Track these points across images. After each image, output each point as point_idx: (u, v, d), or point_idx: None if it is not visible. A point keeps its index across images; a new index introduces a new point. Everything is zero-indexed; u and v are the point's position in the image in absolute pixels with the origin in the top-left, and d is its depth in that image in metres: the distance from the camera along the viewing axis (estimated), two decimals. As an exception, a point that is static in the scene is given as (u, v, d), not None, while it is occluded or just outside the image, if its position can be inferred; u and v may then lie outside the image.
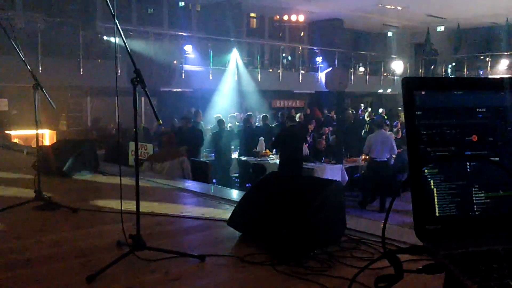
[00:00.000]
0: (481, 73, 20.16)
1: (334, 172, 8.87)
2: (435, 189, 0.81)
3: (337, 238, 2.39)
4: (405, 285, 0.90)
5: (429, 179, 0.81)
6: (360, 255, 2.20)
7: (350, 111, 13.07)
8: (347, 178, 9.03)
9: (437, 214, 0.81)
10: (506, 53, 19.03)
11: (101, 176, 4.42)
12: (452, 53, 20.83)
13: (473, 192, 0.83)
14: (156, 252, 2.09)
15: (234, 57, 15.43)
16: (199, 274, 1.98)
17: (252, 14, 18.70)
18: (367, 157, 9.42)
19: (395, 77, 20.56)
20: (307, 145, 9.85)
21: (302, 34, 20.15)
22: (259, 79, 15.66)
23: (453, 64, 20.97)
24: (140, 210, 2.11)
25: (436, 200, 0.80)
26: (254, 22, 19.25)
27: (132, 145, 6.94)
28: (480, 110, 0.85)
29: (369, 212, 8.73)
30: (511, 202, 0.84)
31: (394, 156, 9.51)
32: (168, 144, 6.31)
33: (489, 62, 19.81)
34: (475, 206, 0.83)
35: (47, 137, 9.03)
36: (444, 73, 20.61)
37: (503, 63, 19.38)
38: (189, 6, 17.15)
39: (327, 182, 2.55)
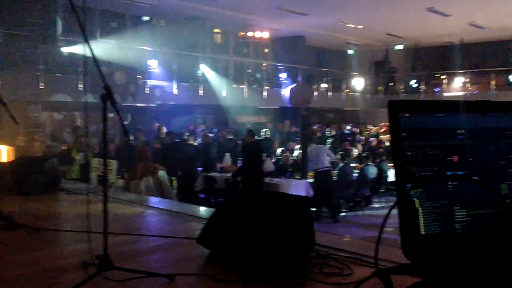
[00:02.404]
0: (437, 90, 20.93)
1: (299, 187, 8.95)
2: (420, 208, 0.83)
3: (306, 254, 2.39)
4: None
5: (414, 198, 0.83)
6: (330, 270, 2.21)
7: (315, 127, 13.28)
8: (311, 192, 9.13)
9: (423, 233, 0.83)
10: (460, 71, 19.83)
11: (63, 194, 4.29)
12: (410, 71, 21.52)
13: (455, 211, 0.86)
14: (124, 272, 2.04)
15: (202, 72, 15.47)
16: (169, 294, 1.94)
17: (216, 30, 18.78)
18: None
19: (356, 94, 21.05)
20: (272, 160, 9.92)
21: (266, 51, 20.39)
22: (224, 95, 15.71)
23: (411, 81, 21.66)
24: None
25: (421, 219, 0.83)
26: (219, 38, 19.33)
27: (95, 161, 6.79)
28: (460, 131, 0.88)
29: (324, 224, 8.87)
30: (490, 219, 0.87)
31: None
32: (143, 158, 6.10)
33: (445, 80, 20.59)
34: (456, 224, 0.85)
35: (4, 153, 8.70)
36: (402, 90, 21.25)
37: (458, 81, 20.17)
38: (153, 20, 17.08)
39: (296, 199, 2.56)
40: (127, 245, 2.66)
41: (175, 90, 14.33)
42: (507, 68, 18.73)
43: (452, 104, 0.92)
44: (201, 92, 15.15)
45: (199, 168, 10.32)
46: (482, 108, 0.92)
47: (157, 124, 12.47)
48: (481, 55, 20.45)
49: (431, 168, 0.86)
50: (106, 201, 2.09)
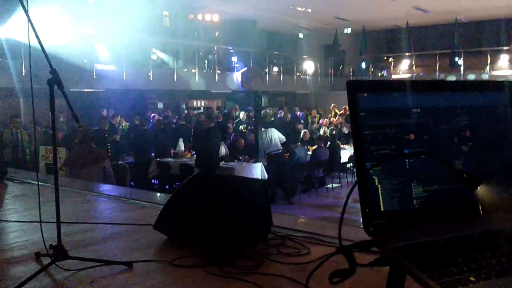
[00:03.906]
0: (385, 73, 21.51)
1: (253, 170, 9.01)
2: (379, 185, 0.86)
3: (264, 236, 2.42)
4: (357, 279, 0.94)
5: (373, 177, 0.85)
6: (287, 251, 2.25)
7: (269, 110, 13.35)
8: (266, 175, 9.22)
9: (382, 209, 0.86)
10: (407, 54, 20.43)
11: (11, 183, 4.12)
12: (358, 54, 21.97)
13: (413, 187, 0.89)
14: (80, 261, 2.00)
15: (152, 56, 15.13)
16: (128, 282, 1.92)
17: (165, 13, 18.38)
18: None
19: (307, 77, 21.28)
20: (226, 144, 9.92)
21: (217, 34, 20.18)
22: (175, 79, 15.47)
23: (360, 64, 22.13)
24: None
25: (380, 196, 0.85)
26: (167, 21, 18.93)
27: (42, 149, 6.54)
28: (416, 110, 0.92)
29: (279, 206, 9.04)
30: (445, 195, 0.91)
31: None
32: (84, 143, 5.82)
33: (392, 63, 21.18)
34: (414, 200, 0.89)
35: None
36: (351, 73, 21.69)
37: (404, 63, 20.80)
38: (100, 2, 16.49)
39: (253, 181, 2.58)
40: (81, 234, 2.60)
41: (124, 75, 13.96)
42: (450, 51, 19.45)
43: (409, 84, 0.95)
44: (151, 77, 14.84)
45: (152, 154, 10.17)
46: (437, 87, 0.96)
47: (105, 110, 12.14)
48: (426, 38, 21.12)
49: (389, 146, 0.88)
50: (57, 190, 2.04)
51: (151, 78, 14.77)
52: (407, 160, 0.88)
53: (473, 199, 0.92)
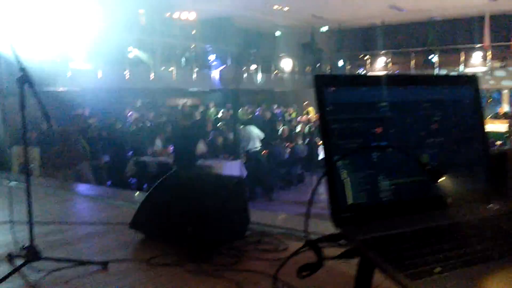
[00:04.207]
0: (362, 70, 21.75)
1: (232, 167, 9.01)
2: (347, 179, 0.87)
3: (242, 233, 2.43)
4: (326, 272, 0.95)
5: (341, 170, 0.86)
6: (265, 247, 2.26)
7: (246, 108, 13.36)
8: (245, 173, 9.24)
9: (350, 202, 0.87)
10: (382, 52, 20.71)
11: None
12: (335, 51, 22.15)
13: (379, 180, 0.90)
14: (54, 262, 1.97)
15: (128, 54, 14.96)
16: (103, 281, 1.90)
17: (141, 11, 18.20)
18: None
19: (285, 75, 21.37)
20: (205, 142, 9.88)
21: (194, 32, 20.07)
22: (152, 77, 15.34)
23: (337, 62, 22.32)
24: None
25: (348, 189, 0.87)
26: (143, 19, 18.74)
27: (16, 149, 6.40)
28: (382, 104, 0.93)
29: (258, 203, 9.07)
30: (412, 187, 0.93)
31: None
32: (62, 143, 5.76)
33: (368, 60, 21.45)
34: (381, 193, 0.90)
35: None
36: (329, 71, 21.86)
37: (380, 61, 21.09)
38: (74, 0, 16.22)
39: (230, 179, 2.58)
40: (55, 234, 2.56)
41: (99, 74, 13.78)
42: (425, 48, 19.78)
43: (376, 78, 0.97)
44: (127, 75, 14.68)
45: (130, 153, 10.08)
46: (403, 81, 0.97)
47: (80, 110, 11.97)
48: (402, 36, 21.42)
49: (356, 140, 0.90)
50: (29, 189, 2.00)
51: (127, 77, 14.62)
52: (374, 154, 0.89)
53: (439, 192, 0.95)
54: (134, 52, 16.06)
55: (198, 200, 2.35)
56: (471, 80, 1.05)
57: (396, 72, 20.50)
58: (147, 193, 2.68)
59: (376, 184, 0.90)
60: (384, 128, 0.92)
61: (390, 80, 0.97)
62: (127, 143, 10.02)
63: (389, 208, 0.90)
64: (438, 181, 0.90)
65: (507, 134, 12.32)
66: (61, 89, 13.09)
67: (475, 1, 17.10)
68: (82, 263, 2.02)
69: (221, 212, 2.29)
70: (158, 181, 2.63)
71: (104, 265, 2.02)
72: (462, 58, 19.06)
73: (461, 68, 18.96)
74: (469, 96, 1.03)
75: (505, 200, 1.05)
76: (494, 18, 18.26)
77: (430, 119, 0.97)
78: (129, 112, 13.15)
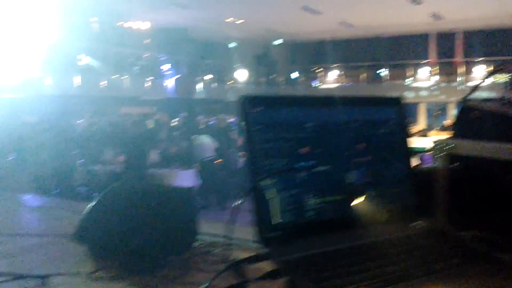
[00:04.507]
0: (314, 83, 22.23)
1: (186, 177, 8.96)
2: (273, 198, 0.89)
3: (189, 244, 2.42)
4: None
5: (267, 190, 0.89)
6: (213, 258, 2.26)
7: (202, 117, 13.34)
8: (199, 182, 9.22)
9: (276, 222, 0.89)
10: (333, 66, 21.27)
11: None
12: (289, 64, 22.54)
13: (306, 199, 0.93)
14: (-10, 276, 1.90)
15: (79, 62, 14.63)
16: (43, 296, 1.85)
17: (93, 19, 17.88)
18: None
19: (240, 85, 21.52)
20: (158, 151, 9.79)
21: (147, 41, 19.88)
22: (104, 85, 15.06)
23: (291, 74, 22.69)
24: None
25: (275, 209, 0.88)
26: (96, 27, 18.40)
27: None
28: (309, 124, 0.96)
29: (212, 212, 9.03)
30: (338, 206, 0.96)
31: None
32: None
33: (321, 73, 21.96)
34: (308, 212, 0.93)
35: None
36: (283, 83, 22.20)
37: (332, 75, 21.65)
38: (25, 5, 15.76)
39: (178, 189, 2.58)
40: (-6, 247, 2.47)
41: (48, 81, 13.40)
42: (374, 63, 20.49)
43: (302, 99, 1.01)
44: (78, 83, 14.35)
45: (79, 161, 9.81)
46: (330, 102, 1.01)
47: (29, 117, 11.57)
48: (352, 51, 22.09)
49: (283, 160, 0.92)
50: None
51: (78, 84, 14.29)
52: (300, 173, 0.92)
53: (365, 210, 0.99)
54: (85, 60, 15.73)
55: (144, 211, 2.34)
56: (396, 101, 1.11)
57: (347, 85, 21.10)
58: (91, 204, 2.63)
59: (302, 203, 0.92)
60: (311, 148, 0.95)
61: (317, 100, 1.01)
62: (77, 151, 9.76)
63: (316, 227, 0.92)
64: (359, 200, 0.95)
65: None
66: (8, 95, 12.63)
67: (421, 20, 17.91)
68: (20, 277, 1.96)
69: (167, 223, 2.28)
70: (103, 192, 2.59)
71: (44, 279, 1.96)
72: (410, 73, 19.87)
73: (409, 82, 19.77)
74: (394, 117, 1.08)
75: (431, 218, 1.10)
76: (439, 36, 19.16)
77: (356, 139, 1.02)
78: (79, 120, 12.80)
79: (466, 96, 1.26)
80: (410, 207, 1.04)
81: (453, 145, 1.13)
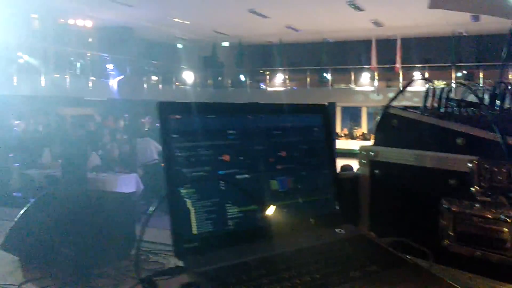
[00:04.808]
0: (262, 85, 22.41)
1: (128, 181, 8.75)
2: (192, 208, 0.87)
3: (126, 252, 2.37)
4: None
5: (185, 199, 0.87)
6: (150, 267, 2.22)
7: (146, 119, 13.07)
8: (142, 186, 9.02)
9: (195, 232, 0.87)
10: (280, 69, 21.53)
11: None
12: (236, 66, 22.59)
13: (227, 208, 0.92)
14: None
15: (19, 60, 13.99)
16: (-35, 310, 1.75)
17: (33, 15, 17.15)
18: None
19: (186, 87, 21.32)
20: (99, 154, 9.51)
21: (90, 40, 19.31)
22: (43, 84, 14.46)
23: (238, 76, 22.75)
24: None
25: (193, 218, 0.87)
26: (36, 24, 17.67)
27: None
28: (230, 132, 0.96)
29: (154, 218, 8.88)
30: (257, 215, 0.96)
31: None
32: None
33: (268, 76, 22.17)
34: (229, 221, 0.92)
35: None
36: (230, 85, 22.23)
37: (279, 77, 21.92)
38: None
39: (116, 195, 2.52)
40: None
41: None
42: (320, 67, 20.93)
43: (223, 106, 1.01)
44: (15, 81, 13.72)
45: (15, 164, 9.36)
46: (253, 110, 1.02)
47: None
48: (298, 55, 22.47)
49: (202, 168, 0.91)
50: None
51: (15, 83, 13.65)
52: (221, 182, 0.92)
53: (287, 218, 0.99)
54: (24, 58, 15.07)
55: (78, 218, 2.26)
56: (321, 108, 1.13)
57: (294, 88, 21.42)
58: (22, 211, 2.52)
59: (223, 212, 0.91)
60: (232, 155, 0.95)
61: (239, 108, 1.01)
62: (13, 154, 9.31)
63: (236, 237, 0.91)
64: (279, 209, 0.95)
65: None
66: None
67: (363, 26, 18.50)
68: None
69: (102, 231, 2.22)
70: (35, 198, 2.49)
71: (-33, 291, 1.86)
72: (352, 77, 20.44)
73: (352, 86, 20.34)
74: (319, 124, 1.11)
75: (355, 225, 1.13)
76: (380, 42, 19.84)
77: (279, 146, 1.02)
78: (15, 120, 12.24)
79: (388, 104, 1.30)
80: (332, 214, 1.06)
81: (375, 151, 1.17)
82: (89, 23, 17.42)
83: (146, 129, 11.72)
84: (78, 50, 17.83)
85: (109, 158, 9.84)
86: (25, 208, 2.56)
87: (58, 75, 15.75)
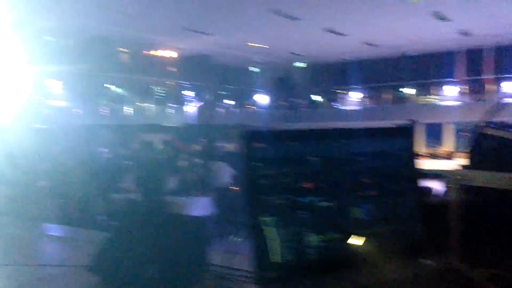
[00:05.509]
0: (337, 104, 22.09)
1: (202, 205, 8.85)
2: (273, 235, 0.85)
3: (200, 276, 2.37)
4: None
5: (266, 226, 0.84)
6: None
7: (220, 144, 13.31)
8: (215, 210, 9.10)
9: (276, 260, 0.84)
10: (356, 87, 21.11)
11: None
12: (310, 86, 22.51)
13: (308, 237, 0.88)
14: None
15: (107, 91, 15.00)
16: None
17: (121, 49, 18.40)
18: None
19: (261, 110, 21.58)
20: (176, 178, 9.77)
21: (172, 69, 20.29)
22: (128, 113, 15.33)
23: (312, 97, 22.63)
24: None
25: (274, 246, 0.84)
26: (124, 57, 18.95)
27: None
28: (312, 159, 0.92)
29: (227, 242, 8.89)
30: (339, 244, 0.91)
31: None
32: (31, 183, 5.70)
33: (343, 95, 21.79)
34: (310, 250, 0.88)
35: None
36: (304, 105, 22.15)
37: (355, 96, 21.48)
38: (57, 40, 16.42)
39: (190, 219, 2.56)
40: (13, 277, 2.48)
41: (78, 110, 13.75)
42: (398, 83, 20.26)
43: (304, 133, 0.97)
44: (105, 112, 14.66)
45: (100, 189, 9.86)
46: (333, 135, 0.97)
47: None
48: (375, 71, 21.92)
49: (284, 195, 0.88)
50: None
51: (105, 113, 14.60)
52: (302, 210, 0.88)
53: (368, 247, 0.94)
54: (111, 89, 16.12)
55: (158, 241, 2.32)
56: (405, 130, 1.06)
57: (371, 106, 20.86)
58: (107, 236, 2.62)
59: (303, 241, 0.88)
60: (314, 182, 0.91)
61: (320, 134, 0.97)
62: (97, 178, 9.83)
63: (316, 266, 0.88)
64: (362, 238, 0.90)
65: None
66: (39, 126, 12.97)
67: (448, 37, 17.62)
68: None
69: (181, 254, 2.25)
70: (118, 224, 2.59)
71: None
72: (435, 92, 19.51)
73: (434, 101, 19.38)
74: (403, 147, 1.04)
75: (443, 255, 1.03)
76: (467, 53, 18.80)
77: (361, 172, 0.97)
78: (102, 148, 13.01)
79: (482, 121, 1.19)
80: (418, 243, 0.98)
81: (467, 175, 1.07)
82: (170, 53, 18.30)
83: (220, 154, 11.91)
84: (160, 79, 18.78)
85: (184, 182, 10.07)
86: (109, 232, 2.68)
87: (141, 104, 16.62)
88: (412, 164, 1.03)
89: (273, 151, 0.89)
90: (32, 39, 14.92)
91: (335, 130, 0.97)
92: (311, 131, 0.98)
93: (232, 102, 20.65)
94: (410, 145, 1.05)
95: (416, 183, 1.03)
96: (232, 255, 3.06)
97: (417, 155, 1.05)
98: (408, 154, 1.04)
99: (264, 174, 0.87)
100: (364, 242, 0.92)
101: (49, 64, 13.90)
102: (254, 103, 21.64)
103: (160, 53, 18.19)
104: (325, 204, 0.91)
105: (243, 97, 21.21)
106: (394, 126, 1.03)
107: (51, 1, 12.09)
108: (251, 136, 0.88)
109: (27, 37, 14.57)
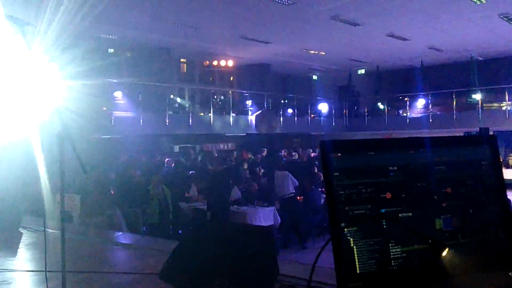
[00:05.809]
0: (401, 112, 21.45)
1: (266, 214, 8.89)
2: (354, 246, 0.84)
3: (269, 286, 2.37)
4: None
5: (348, 237, 0.83)
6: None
7: (283, 153, 13.33)
8: (279, 220, 9.11)
9: (358, 271, 0.83)
10: (422, 94, 20.37)
11: (23, 231, 4.15)
12: (373, 94, 22.04)
13: (390, 247, 0.86)
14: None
15: (168, 101, 15.52)
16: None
17: (182, 60, 18.94)
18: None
19: (322, 118, 21.38)
20: (239, 187, 9.88)
21: (231, 78, 20.61)
22: (190, 123, 15.71)
23: (375, 104, 22.12)
24: (66, 268, 2.01)
25: (356, 257, 0.83)
26: (184, 67, 19.47)
27: (58, 197, 6.58)
28: (391, 168, 0.90)
29: (292, 251, 8.84)
30: (424, 255, 0.88)
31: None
32: (99, 192, 5.98)
33: (407, 102, 21.10)
34: (392, 261, 0.86)
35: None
36: (367, 114, 21.68)
37: (420, 103, 20.73)
38: (119, 52, 17.14)
39: (259, 229, 2.57)
40: (86, 283, 2.59)
41: (141, 121, 14.27)
42: (466, 89, 19.37)
43: (383, 142, 0.95)
44: (167, 121, 15.11)
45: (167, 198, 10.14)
46: (413, 144, 0.94)
47: (123, 156, 12.32)
48: (442, 76, 21.12)
49: (364, 206, 0.87)
50: (63, 237, 2.05)
51: (167, 123, 15.04)
52: (383, 220, 0.86)
53: (454, 259, 0.90)
54: (175, 100, 16.62)
55: (227, 251, 2.34)
56: (488, 139, 1.01)
57: (437, 113, 20.08)
58: (177, 244, 2.68)
59: (386, 252, 0.86)
60: (394, 193, 0.89)
61: (399, 143, 0.95)
62: (163, 188, 10.11)
63: (399, 278, 0.85)
64: (448, 249, 0.86)
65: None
66: (104, 136, 13.58)
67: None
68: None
69: (249, 264, 2.26)
70: (188, 232, 2.65)
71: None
72: (507, 97, 18.47)
73: (507, 107, 18.34)
74: (486, 156, 0.99)
75: None
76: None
77: (443, 182, 0.93)
78: (166, 158, 13.42)
79: None
80: (505, 256, 0.93)
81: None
82: (230, 63, 18.61)
83: (283, 163, 11.92)
84: (220, 89, 19.13)
85: (248, 191, 10.16)
86: (179, 241, 2.74)
87: (202, 114, 16.99)
88: (497, 173, 0.98)
89: (352, 161, 0.88)
90: (97, 51, 15.73)
91: (414, 139, 0.94)
92: (390, 140, 0.95)
93: (292, 111, 20.63)
94: (495, 154, 1.00)
95: (502, 193, 0.97)
96: (297, 265, 3.03)
97: (502, 165, 1.00)
98: (492, 163, 0.99)
99: (344, 185, 0.85)
100: (447, 253, 0.88)
101: (114, 76, 14.58)
102: (315, 112, 21.49)
103: (221, 63, 18.56)
104: (406, 214, 0.88)
105: (303, 106, 21.13)
106: (478, 134, 0.98)
107: (115, 15, 12.68)
108: (329, 146, 0.87)
109: (93, 50, 15.37)
